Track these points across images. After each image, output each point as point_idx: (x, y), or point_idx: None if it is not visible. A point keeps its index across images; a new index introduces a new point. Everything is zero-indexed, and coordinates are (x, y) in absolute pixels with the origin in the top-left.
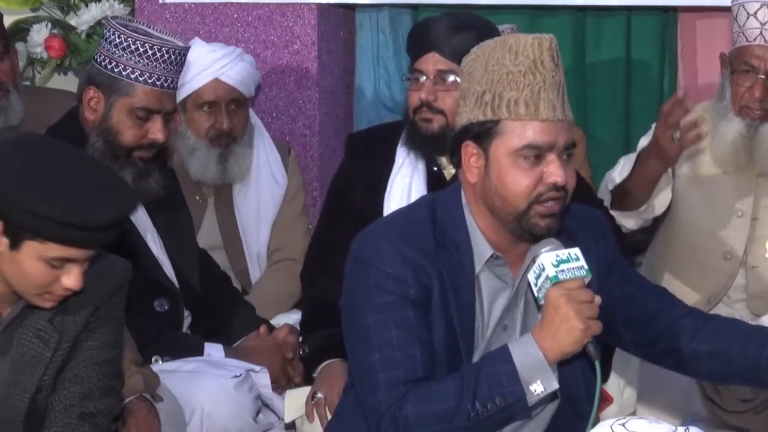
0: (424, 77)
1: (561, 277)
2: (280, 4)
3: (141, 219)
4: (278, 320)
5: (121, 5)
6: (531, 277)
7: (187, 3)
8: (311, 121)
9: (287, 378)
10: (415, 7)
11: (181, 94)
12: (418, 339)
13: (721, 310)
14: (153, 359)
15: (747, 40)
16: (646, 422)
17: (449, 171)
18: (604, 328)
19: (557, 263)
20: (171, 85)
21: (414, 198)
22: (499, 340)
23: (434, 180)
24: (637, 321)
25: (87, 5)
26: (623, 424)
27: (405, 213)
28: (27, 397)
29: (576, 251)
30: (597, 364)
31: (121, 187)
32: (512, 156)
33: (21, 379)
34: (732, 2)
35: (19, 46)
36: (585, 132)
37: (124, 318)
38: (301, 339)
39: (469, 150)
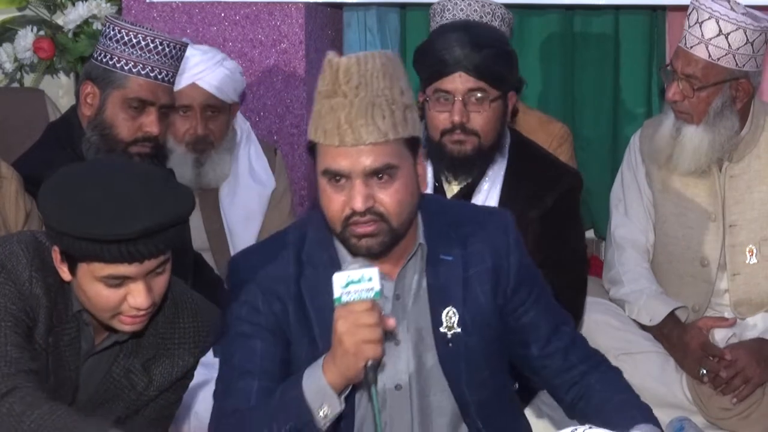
0: (452, 98)
1: (345, 298)
2: (268, 3)
3: None
4: None
5: (108, 4)
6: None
7: (175, 2)
8: (299, 120)
9: None
10: (402, 6)
11: None
12: (259, 369)
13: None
14: None
15: (679, 41)
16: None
17: (452, 188)
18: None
19: (346, 284)
20: (166, 78)
21: None
22: (391, 355)
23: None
24: (520, 359)
25: (74, 4)
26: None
27: (276, 236)
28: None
29: (372, 272)
30: (373, 389)
31: (156, 196)
32: (322, 177)
33: (98, 413)
34: None
35: (6, 47)
36: (572, 130)
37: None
38: None
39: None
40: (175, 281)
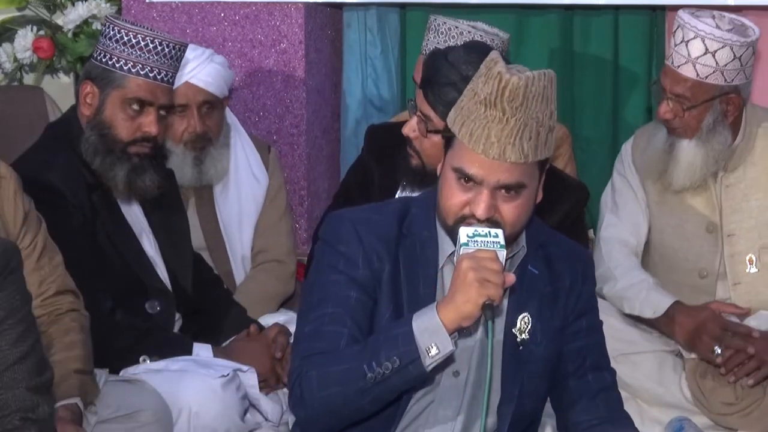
0: (415, 112)
1: (471, 245)
2: (268, 2)
3: (137, 219)
4: (268, 320)
5: (108, 4)
6: (456, 252)
7: (174, 2)
8: (298, 120)
9: (276, 378)
10: (402, 6)
11: None
12: (351, 318)
13: None
14: (141, 359)
15: (666, 58)
16: None
17: None
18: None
19: (473, 235)
20: (165, 78)
21: None
22: (458, 343)
23: None
24: (555, 387)
25: (73, 4)
26: None
27: (378, 204)
28: None
29: (498, 231)
30: (489, 324)
31: None
32: (452, 172)
33: None
34: None
35: (6, 47)
36: (572, 131)
37: (24, 307)
38: None
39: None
40: None
